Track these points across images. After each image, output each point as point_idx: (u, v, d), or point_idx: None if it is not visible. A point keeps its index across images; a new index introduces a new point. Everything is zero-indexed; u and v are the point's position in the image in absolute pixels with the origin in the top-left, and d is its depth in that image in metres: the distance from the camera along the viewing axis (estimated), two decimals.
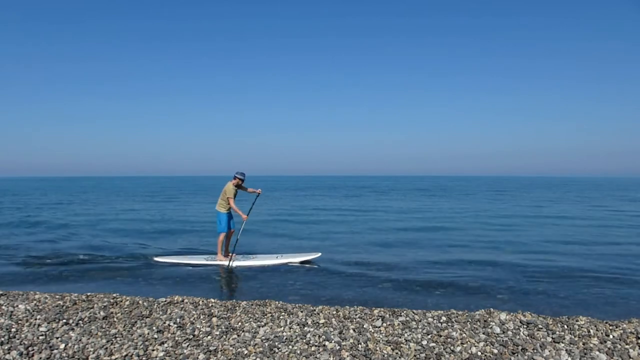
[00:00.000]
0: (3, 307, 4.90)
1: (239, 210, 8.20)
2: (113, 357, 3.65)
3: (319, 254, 8.74)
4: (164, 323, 4.46)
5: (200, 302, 5.25)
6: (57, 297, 5.43)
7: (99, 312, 4.77)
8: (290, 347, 3.84)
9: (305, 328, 4.31)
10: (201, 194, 37.97)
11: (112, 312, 4.83)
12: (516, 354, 3.64)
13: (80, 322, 4.47)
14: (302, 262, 8.44)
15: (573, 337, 3.99)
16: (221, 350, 3.78)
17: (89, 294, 5.64)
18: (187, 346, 3.89)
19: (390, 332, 4.18)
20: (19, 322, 4.41)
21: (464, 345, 3.82)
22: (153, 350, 3.79)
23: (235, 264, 8.19)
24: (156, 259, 8.68)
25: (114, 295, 5.60)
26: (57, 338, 4.02)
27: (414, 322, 4.42)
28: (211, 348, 3.83)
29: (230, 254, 8.39)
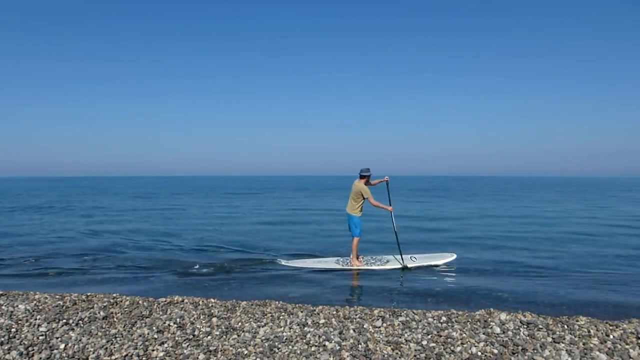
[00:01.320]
0: (3, 307, 4.90)
1: (383, 205, 7.84)
2: (113, 357, 3.65)
3: (455, 255, 8.40)
4: (164, 323, 4.46)
5: (200, 302, 5.25)
6: (57, 297, 5.43)
7: (99, 312, 4.77)
8: (290, 347, 3.84)
9: (305, 328, 4.31)
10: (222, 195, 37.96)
11: (112, 312, 4.83)
12: (516, 354, 3.64)
13: (80, 322, 4.47)
14: (436, 265, 8.04)
15: (573, 337, 3.99)
16: (221, 350, 3.78)
17: (88, 294, 5.64)
18: (187, 346, 3.89)
19: (390, 332, 4.18)
20: (19, 322, 4.41)
21: (464, 346, 3.82)
22: (153, 350, 3.80)
23: (372, 267, 7.87)
24: (283, 262, 8.26)
25: (114, 295, 5.60)
26: (57, 338, 4.02)
27: (414, 322, 4.42)
28: (211, 348, 3.83)
29: (361, 257, 8.18)
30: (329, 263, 8.13)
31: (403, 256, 7.92)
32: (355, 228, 7.91)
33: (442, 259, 8.26)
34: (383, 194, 8.40)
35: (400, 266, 7.86)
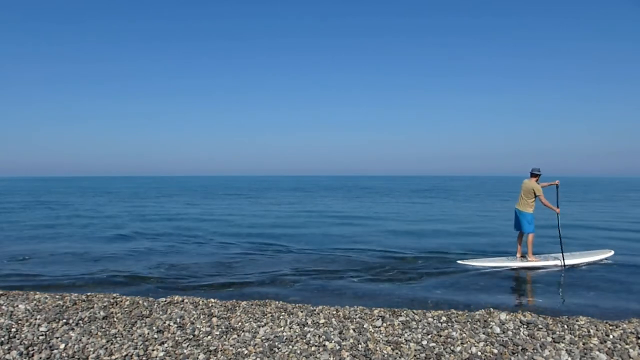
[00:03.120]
0: (3, 307, 4.91)
1: (552, 205, 8.08)
2: (113, 357, 3.65)
3: (612, 252, 8.68)
4: (164, 323, 4.46)
5: (200, 302, 5.25)
6: (57, 297, 5.43)
7: (99, 312, 4.77)
8: (290, 347, 3.84)
9: (305, 328, 4.31)
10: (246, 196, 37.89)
11: (112, 312, 4.83)
12: (516, 354, 3.64)
13: (80, 322, 4.48)
14: (595, 262, 8.28)
15: (573, 337, 3.99)
16: (221, 350, 3.78)
17: (88, 294, 5.64)
18: (187, 346, 3.89)
19: (390, 332, 4.18)
20: (19, 322, 4.41)
21: (464, 345, 3.82)
22: (153, 350, 3.80)
23: (539, 263, 8.07)
24: (460, 262, 8.33)
25: (114, 295, 5.60)
26: (57, 338, 4.03)
27: (414, 322, 4.42)
28: (211, 348, 3.83)
29: (522, 255, 8.34)
30: (504, 261, 8.28)
31: (564, 255, 8.13)
32: (529, 225, 8.17)
33: (599, 255, 8.52)
34: (551, 196, 8.47)
35: (560, 264, 8.04)
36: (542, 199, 8.06)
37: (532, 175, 8.27)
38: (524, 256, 8.33)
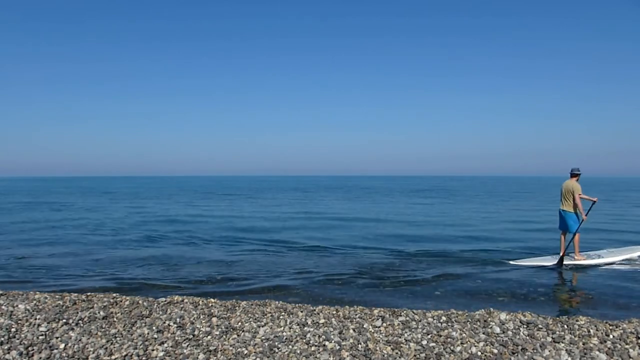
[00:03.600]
0: (3, 307, 4.90)
1: (582, 209, 8.15)
2: (113, 357, 3.65)
3: None
4: (164, 323, 4.46)
5: (200, 302, 5.25)
6: (57, 297, 5.43)
7: (99, 312, 4.77)
8: (290, 347, 3.84)
9: (305, 328, 4.31)
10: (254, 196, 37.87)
11: (112, 312, 4.83)
12: (516, 354, 3.64)
13: (80, 322, 4.48)
14: (633, 259, 8.48)
15: (573, 337, 3.98)
16: (221, 350, 3.78)
17: (88, 294, 5.64)
18: (187, 346, 3.89)
19: (390, 332, 4.18)
20: (19, 322, 4.41)
21: (464, 345, 3.82)
22: (153, 350, 3.79)
23: (586, 262, 8.20)
24: (512, 262, 8.46)
25: (114, 295, 5.60)
26: (57, 338, 4.02)
27: (414, 322, 4.41)
28: (211, 348, 3.83)
29: (566, 254, 8.41)
30: (550, 260, 8.38)
31: (564, 256, 8.19)
32: (574, 224, 8.24)
33: (637, 252, 8.72)
34: (585, 209, 8.55)
35: (554, 264, 8.13)
36: (577, 199, 8.13)
37: (572, 175, 8.40)
38: (568, 255, 8.40)
